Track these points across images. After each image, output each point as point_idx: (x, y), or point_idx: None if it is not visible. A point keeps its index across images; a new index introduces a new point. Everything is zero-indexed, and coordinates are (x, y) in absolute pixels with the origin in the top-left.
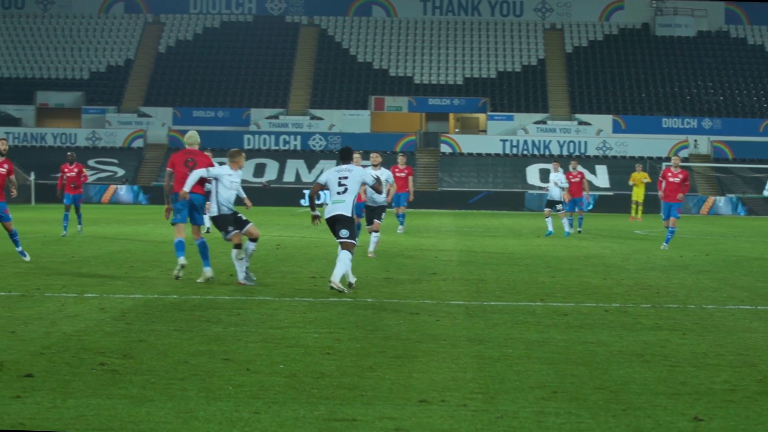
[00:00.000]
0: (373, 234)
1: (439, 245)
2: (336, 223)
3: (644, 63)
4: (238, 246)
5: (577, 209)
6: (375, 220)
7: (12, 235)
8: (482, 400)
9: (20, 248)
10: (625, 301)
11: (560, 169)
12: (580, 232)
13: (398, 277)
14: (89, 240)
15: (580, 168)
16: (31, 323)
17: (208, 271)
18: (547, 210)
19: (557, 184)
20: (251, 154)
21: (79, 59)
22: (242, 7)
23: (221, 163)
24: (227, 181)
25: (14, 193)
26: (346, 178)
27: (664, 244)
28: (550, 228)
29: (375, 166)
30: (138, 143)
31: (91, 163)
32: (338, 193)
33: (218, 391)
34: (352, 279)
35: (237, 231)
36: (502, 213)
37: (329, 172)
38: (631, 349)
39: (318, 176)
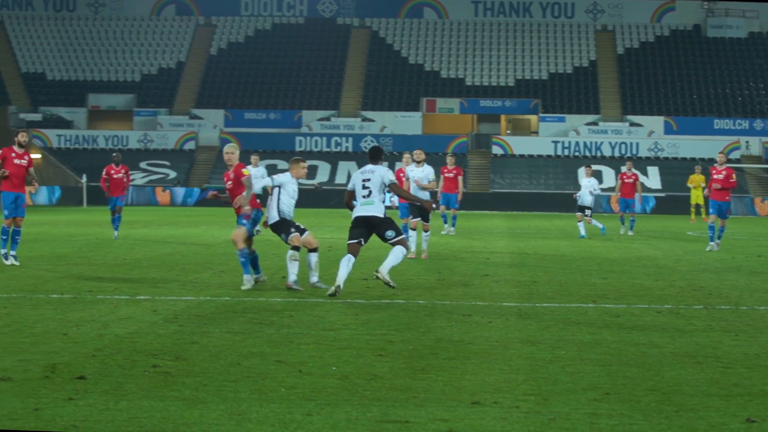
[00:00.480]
0: (424, 234)
1: (490, 247)
2: (364, 225)
3: (696, 64)
4: (296, 248)
5: (628, 211)
6: (423, 222)
7: (16, 233)
8: (535, 402)
9: (14, 252)
10: (677, 303)
11: (592, 176)
12: (630, 234)
13: (450, 279)
14: (141, 242)
15: (634, 170)
16: (84, 325)
17: (262, 277)
18: (579, 214)
19: (592, 192)
20: (303, 155)
21: (131, 62)
22: (293, 9)
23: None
24: (291, 189)
25: (35, 186)
26: (368, 180)
27: (717, 241)
28: (583, 232)
29: (418, 162)
30: (190, 145)
31: (142, 165)
32: (363, 196)
33: (271, 393)
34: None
35: (298, 233)
36: (553, 215)
37: (355, 175)
38: (684, 350)
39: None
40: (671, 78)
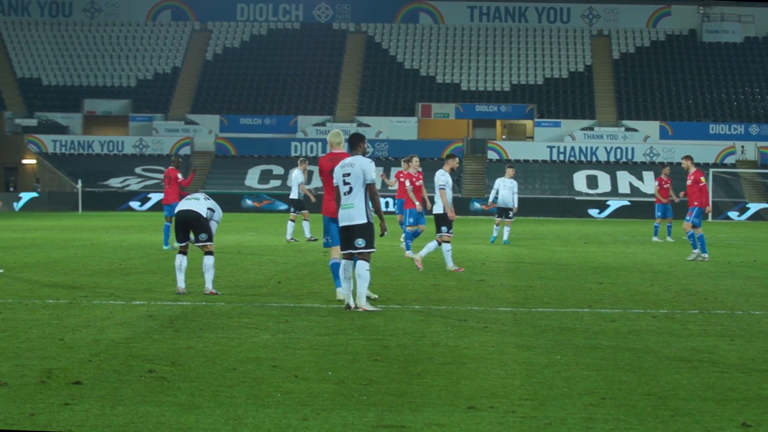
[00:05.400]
0: (445, 245)
1: (486, 252)
2: (347, 231)
3: (691, 69)
4: (209, 253)
5: (668, 216)
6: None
7: None
8: (531, 407)
9: None
10: (673, 307)
11: (513, 176)
12: (670, 240)
13: (446, 283)
14: (136, 247)
15: (671, 175)
16: (80, 330)
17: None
18: (498, 219)
19: (515, 193)
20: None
21: (126, 67)
22: (289, 14)
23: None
24: None
25: None
26: (348, 174)
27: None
28: (495, 234)
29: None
30: (185, 151)
31: (137, 170)
32: (344, 193)
33: (267, 398)
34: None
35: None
36: (548, 219)
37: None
38: (679, 355)
39: None
40: (667, 83)
